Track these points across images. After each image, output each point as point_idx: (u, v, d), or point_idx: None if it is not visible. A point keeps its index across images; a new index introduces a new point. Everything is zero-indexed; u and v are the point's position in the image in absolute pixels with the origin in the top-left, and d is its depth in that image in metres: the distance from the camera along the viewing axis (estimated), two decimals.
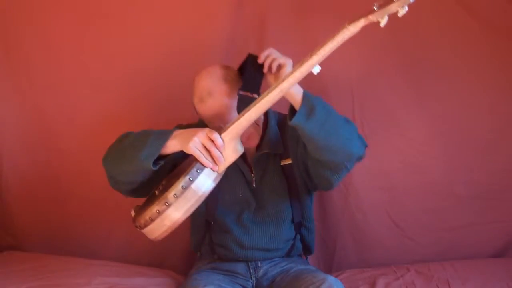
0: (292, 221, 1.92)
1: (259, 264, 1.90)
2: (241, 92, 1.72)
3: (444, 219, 2.25)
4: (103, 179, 2.26)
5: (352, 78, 2.18)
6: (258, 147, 1.88)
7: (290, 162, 1.87)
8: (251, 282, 1.89)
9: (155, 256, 2.29)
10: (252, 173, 1.87)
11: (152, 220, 1.61)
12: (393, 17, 2.15)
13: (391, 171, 2.21)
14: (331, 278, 1.67)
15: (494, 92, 2.21)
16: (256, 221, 1.89)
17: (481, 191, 2.25)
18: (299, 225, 1.96)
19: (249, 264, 1.90)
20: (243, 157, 1.78)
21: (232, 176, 1.84)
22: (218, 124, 1.77)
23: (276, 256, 1.92)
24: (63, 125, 2.25)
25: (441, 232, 2.26)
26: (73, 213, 2.32)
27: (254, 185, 1.88)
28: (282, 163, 1.88)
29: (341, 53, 2.13)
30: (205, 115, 1.82)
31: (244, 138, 1.77)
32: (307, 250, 2.02)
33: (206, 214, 1.91)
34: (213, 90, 1.80)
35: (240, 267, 1.90)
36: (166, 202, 1.57)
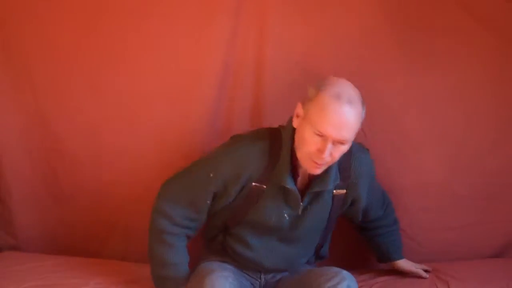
0: (316, 244, 1.97)
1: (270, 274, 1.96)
2: None
3: (444, 219, 2.25)
4: (103, 179, 2.28)
5: (352, 78, 2.18)
6: (317, 178, 1.78)
7: (344, 192, 1.86)
8: (259, 284, 1.96)
9: None
10: (301, 202, 1.81)
11: None
12: (394, 17, 2.16)
13: (391, 171, 2.20)
14: (345, 272, 1.76)
15: (494, 92, 2.21)
16: (282, 243, 1.89)
17: (481, 191, 2.25)
18: (320, 246, 2.00)
19: (261, 274, 1.95)
20: (295, 180, 1.77)
21: (276, 197, 1.81)
22: (313, 165, 1.69)
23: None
24: (63, 125, 2.25)
25: (440, 232, 2.26)
26: (73, 213, 2.32)
27: (299, 213, 1.83)
28: (335, 193, 1.85)
29: (341, 53, 2.17)
30: (319, 153, 1.64)
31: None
32: (319, 259, 2.07)
33: (228, 219, 1.88)
34: (350, 139, 1.67)
35: (251, 272, 1.95)
36: None
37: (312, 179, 1.78)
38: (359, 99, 1.65)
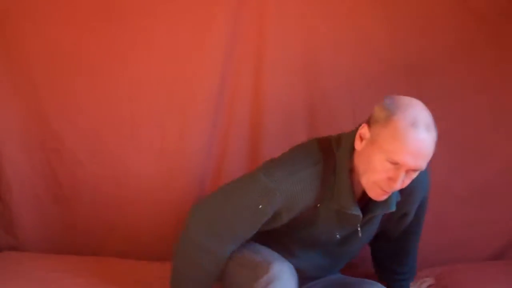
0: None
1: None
2: None
3: (443, 219, 2.26)
4: (103, 179, 2.28)
5: (352, 79, 2.18)
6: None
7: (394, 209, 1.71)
8: None
9: (157, 251, 2.29)
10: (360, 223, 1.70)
11: None
12: (392, 17, 2.16)
13: None
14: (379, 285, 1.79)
15: (494, 92, 2.21)
16: (326, 256, 1.82)
17: (481, 191, 2.25)
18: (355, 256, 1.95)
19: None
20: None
21: (332, 219, 1.68)
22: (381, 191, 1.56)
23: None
24: (63, 125, 2.25)
25: (440, 232, 2.26)
26: (73, 213, 2.32)
27: (359, 234, 1.72)
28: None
29: (341, 54, 2.17)
30: (390, 182, 1.51)
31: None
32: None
33: (275, 232, 1.74)
34: (423, 167, 1.52)
35: None
36: None
37: (371, 201, 1.63)
38: (433, 123, 1.51)
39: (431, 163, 2.18)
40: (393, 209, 1.65)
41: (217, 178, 2.25)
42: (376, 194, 1.55)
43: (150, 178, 2.26)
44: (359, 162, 1.56)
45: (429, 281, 2.07)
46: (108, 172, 2.27)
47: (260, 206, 1.60)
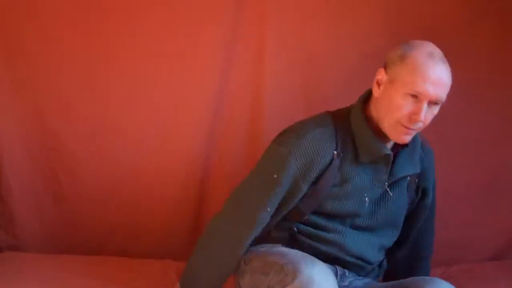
0: (392, 240, 1.80)
1: (346, 274, 1.71)
2: None
3: (443, 218, 2.25)
4: (102, 179, 2.28)
5: (352, 79, 2.18)
6: (403, 158, 1.70)
7: (416, 181, 1.78)
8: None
9: (157, 250, 2.29)
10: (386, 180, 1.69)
11: None
12: (392, 17, 2.16)
13: None
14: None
15: (494, 92, 2.21)
16: (358, 230, 1.70)
17: (480, 191, 2.25)
18: (390, 251, 1.86)
19: (337, 269, 1.69)
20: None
21: (364, 176, 1.66)
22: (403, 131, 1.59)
23: (363, 273, 1.76)
24: (63, 125, 2.25)
25: (440, 231, 2.26)
26: (73, 213, 2.32)
27: (390, 194, 1.71)
28: (410, 180, 1.76)
29: (341, 54, 2.17)
30: (414, 115, 1.54)
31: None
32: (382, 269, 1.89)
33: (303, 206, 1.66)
34: (444, 99, 1.59)
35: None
36: None
37: (397, 160, 1.67)
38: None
39: None
40: (418, 170, 1.71)
41: (217, 178, 2.26)
42: (399, 133, 1.57)
43: (150, 178, 2.26)
44: (379, 108, 1.60)
45: None
46: (108, 172, 2.27)
47: (275, 176, 1.59)
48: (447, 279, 2.03)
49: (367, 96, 1.68)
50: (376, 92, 1.61)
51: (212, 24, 2.15)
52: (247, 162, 2.22)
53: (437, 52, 1.56)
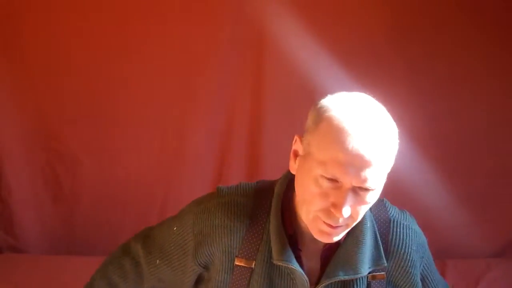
0: None
1: None
2: None
3: (443, 218, 2.26)
4: (103, 179, 2.28)
5: (352, 79, 2.19)
6: (340, 256, 1.13)
7: (383, 276, 1.16)
8: None
9: None
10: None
11: None
12: (392, 17, 2.16)
13: (391, 171, 2.21)
14: None
15: (494, 92, 2.21)
16: None
17: (480, 191, 2.26)
18: None
19: None
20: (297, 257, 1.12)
21: (270, 282, 1.14)
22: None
23: None
24: (63, 125, 2.25)
25: (440, 231, 2.26)
26: (73, 213, 2.32)
27: None
28: (370, 278, 1.16)
29: (341, 54, 2.17)
30: (333, 209, 1.01)
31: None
32: None
33: None
34: (379, 182, 1.03)
35: None
36: None
37: (330, 258, 1.13)
38: (388, 118, 1.07)
39: (431, 163, 2.22)
40: (364, 271, 1.12)
41: (217, 178, 2.26)
42: (318, 231, 1.05)
43: (150, 178, 2.26)
44: (297, 192, 1.08)
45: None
46: (108, 172, 2.27)
47: (175, 228, 1.22)
48: (444, 277, 2.04)
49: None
50: (292, 167, 1.10)
51: (212, 24, 2.16)
52: (247, 163, 2.23)
53: (365, 108, 1.03)
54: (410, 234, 1.21)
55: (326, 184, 1.00)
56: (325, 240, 1.07)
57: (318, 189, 1.01)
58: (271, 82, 2.17)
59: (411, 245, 1.19)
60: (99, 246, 2.33)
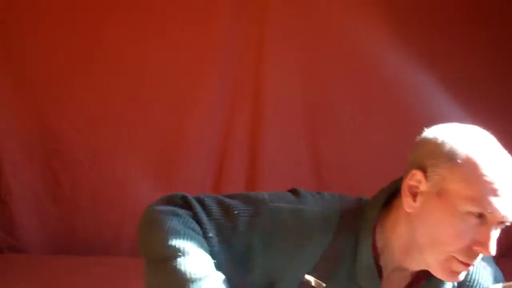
0: None
1: None
2: None
3: None
4: (102, 179, 2.28)
5: (352, 80, 2.18)
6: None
7: None
8: None
9: None
10: None
11: None
12: (393, 18, 2.15)
13: (391, 171, 2.20)
14: None
15: (494, 92, 2.21)
16: None
17: None
18: None
19: None
20: None
21: None
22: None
23: None
24: (63, 125, 2.25)
25: None
26: (73, 213, 2.32)
27: None
28: None
29: (341, 54, 2.17)
30: (480, 247, 0.99)
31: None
32: None
33: None
34: None
35: None
36: None
37: None
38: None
39: None
40: None
41: (218, 178, 2.25)
42: (450, 271, 1.01)
43: (149, 178, 2.26)
44: (416, 229, 1.02)
45: None
46: (108, 172, 2.27)
47: (236, 212, 1.07)
48: None
49: (389, 197, 1.10)
50: (409, 206, 1.03)
51: (212, 24, 2.16)
52: (247, 164, 2.22)
53: (497, 145, 1.04)
54: (486, 273, 1.16)
55: (473, 221, 0.97)
56: (453, 280, 1.04)
57: (462, 227, 0.98)
58: (271, 82, 2.17)
59: (486, 282, 1.15)
60: (99, 246, 2.33)
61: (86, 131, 2.25)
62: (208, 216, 1.06)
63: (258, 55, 2.16)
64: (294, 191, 1.11)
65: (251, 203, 1.07)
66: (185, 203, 1.07)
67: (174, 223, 1.04)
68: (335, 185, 2.23)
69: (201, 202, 1.08)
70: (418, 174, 1.02)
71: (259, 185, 2.22)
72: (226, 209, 1.07)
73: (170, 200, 1.09)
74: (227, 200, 1.09)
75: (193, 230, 1.04)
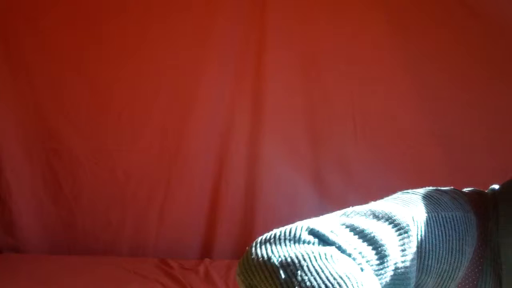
0: None
1: None
2: None
3: None
4: (103, 179, 2.28)
5: (351, 80, 2.19)
6: None
7: None
8: None
9: (157, 249, 2.29)
10: None
11: None
12: (393, 18, 2.15)
13: (392, 171, 2.21)
14: None
15: (494, 92, 2.21)
16: None
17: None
18: None
19: None
20: None
21: None
22: None
23: None
24: (63, 125, 2.25)
25: None
26: (73, 213, 2.32)
27: None
28: None
29: (341, 55, 2.17)
30: None
31: None
32: None
33: None
34: None
35: None
36: None
37: None
38: None
39: (431, 163, 2.22)
40: None
41: (218, 178, 2.25)
42: None
43: (150, 178, 2.26)
44: None
45: None
46: (108, 172, 2.27)
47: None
48: None
49: None
50: None
51: (212, 25, 2.16)
52: (247, 164, 2.23)
53: None
54: None
55: None
56: None
57: None
58: (271, 82, 2.17)
59: None
60: (99, 246, 2.33)
61: (86, 131, 2.25)
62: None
63: (258, 55, 2.16)
64: None
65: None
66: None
67: None
68: (335, 185, 2.23)
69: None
70: None
71: (259, 185, 2.22)
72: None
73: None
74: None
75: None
